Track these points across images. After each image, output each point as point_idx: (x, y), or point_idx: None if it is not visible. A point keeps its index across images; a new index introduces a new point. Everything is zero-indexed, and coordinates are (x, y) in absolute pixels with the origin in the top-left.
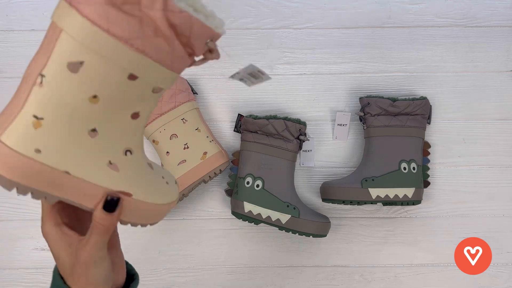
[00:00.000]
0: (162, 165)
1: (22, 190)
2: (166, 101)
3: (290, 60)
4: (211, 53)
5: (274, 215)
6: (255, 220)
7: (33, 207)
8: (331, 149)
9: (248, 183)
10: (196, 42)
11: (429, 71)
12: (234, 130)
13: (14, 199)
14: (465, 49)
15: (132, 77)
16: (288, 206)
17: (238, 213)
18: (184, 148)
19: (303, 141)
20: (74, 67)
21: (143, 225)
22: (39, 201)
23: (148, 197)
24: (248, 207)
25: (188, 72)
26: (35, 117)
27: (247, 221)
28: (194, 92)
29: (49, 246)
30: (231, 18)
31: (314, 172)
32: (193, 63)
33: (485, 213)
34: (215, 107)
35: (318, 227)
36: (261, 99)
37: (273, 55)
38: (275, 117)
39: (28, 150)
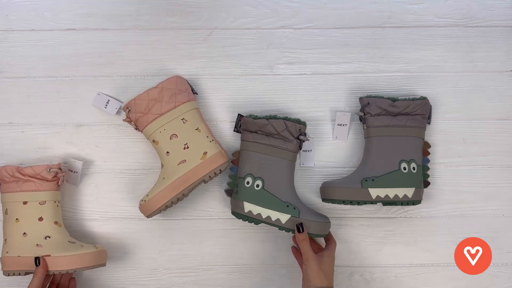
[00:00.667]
0: (162, 165)
1: None
2: (166, 101)
3: (290, 60)
4: None
5: (274, 215)
6: (255, 220)
7: None
8: (331, 149)
9: (248, 183)
10: None
11: (429, 71)
12: (234, 130)
13: None
14: (465, 49)
15: None
16: (288, 206)
17: (238, 213)
18: (184, 148)
19: (303, 141)
20: None
21: (72, 271)
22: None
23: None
24: (248, 207)
25: (188, 72)
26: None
27: (247, 221)
28: (194, 92)
29: None
30: (231, 18)
31: (314, 172)
32: None
33: (485, 213)
34: (215, 107)
35: (318, 227)
36: (261, 99)
37: (273, 55)
38: (275, 117)
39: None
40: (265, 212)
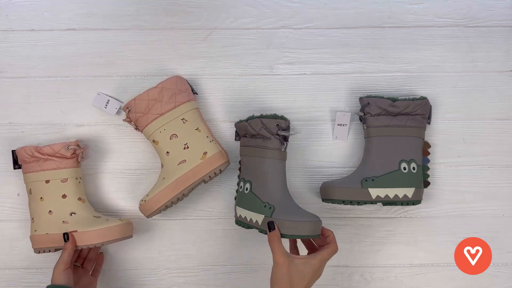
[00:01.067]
0: (162, 165)
1: None
2: (166, 101)
3: (290, 60)
4: None
5: (254, 216)
6: (245, 224)
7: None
8: (331, 149)
9: (241, 187)
10: None
11: (429, 71)
12: (235, 139)
13: (15, 199)
14: (465, 49)
15: None
16: (265, 206)
17: (235, 219)
18: (184, 148)
19: (286, 136)
20: None
21: (99, 245)
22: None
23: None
24: (239, 211)
25: (188, 72)
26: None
27: (240, 226)
28: (194, 92)
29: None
30: (231, 18)
31: (314, 172)
32: None
33: (485, 213)
34: (215, 107)
35: (293, 226)
36: (261, 99)
37: (273, 55)
38: (252, 118)
39: None
40: (248, 215)
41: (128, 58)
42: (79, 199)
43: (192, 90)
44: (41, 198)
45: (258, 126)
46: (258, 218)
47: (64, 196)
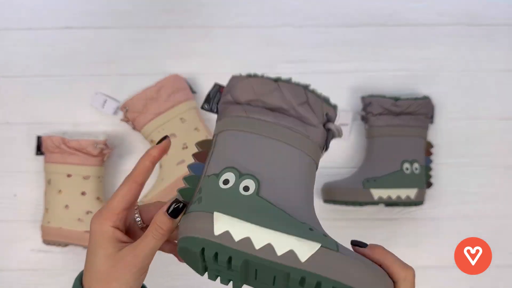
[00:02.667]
0: (160, 165)
1: None
2: (164, 100)
3: (291, 59)
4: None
5: (283, 242)
6: (239, 253)
7: (30, 208)
8: (333, 149)
9: (226, 182)
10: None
11: (432, 70)
12: (203, 107)
13: (11, 199)
14: (468, 48)
15: None
16: (311, 230)
17: (193, 243)
18: (183, 148)
19: (332, 135)
20: None
21: None
22: (34, 203)
23: None
24: (221, 223)
25: (187, 71)
26: None
27: (214, 261)
28: (193, 91)
29: (90, 244)
30: (231, 15)
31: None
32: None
33: (489, 214)
34: None
35: (367, 277)
36: None
37: (273, 53)
38: (287, 81)
39: None
40: (261, 237)
41: (126, 56)
42: (98, 198)
43: (191, 89)
44: (59, 191)
45: (302, 98)
46: (299, 248)
47: (83, 193)
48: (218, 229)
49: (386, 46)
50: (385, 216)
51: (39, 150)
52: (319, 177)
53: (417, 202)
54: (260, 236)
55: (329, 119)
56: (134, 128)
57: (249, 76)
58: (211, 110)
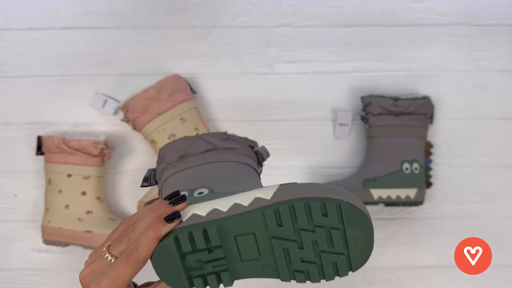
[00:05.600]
0: None
1: None
2: (165, 100)
3: (290, 59)
4: None
5: (246, 197)
6: (210, 222)
7: (30, 208)
8: (332, 149)
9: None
10: None
11: (432, 70)
12: (143, 186)
13: (11, 199)
14: (468, 48)
15: None
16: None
17: (163, 240)
18: None
19: (262, 157)
20: None
21: None
22: (34, 203)
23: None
24: (186, 212)
25: (187, 71)
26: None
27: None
28: (193, 91)
29: None
30: (231, 16)
31: (315, 173)
32: None
33: (489, 214)
34: (214, 107)
35: (323, 188)
36: (261, 98)
37: (273, 53)
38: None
39: None
40: (228, 203)
41: (126, 56)
42: (98, 198)
43: (191, 89)
44: (60, 190)
45: (223, 137)
46: (262, 192)
47: (83, 193)
48: (184, 217)
49: (386, 46)
50: (385, 216)
51: (39, 150)
52: (319, 177)
53: (417, 202)
54: (224, 203)
55: (252, 145)
56: (134, 128)
57: (172, 141)
58: (151, 184)
